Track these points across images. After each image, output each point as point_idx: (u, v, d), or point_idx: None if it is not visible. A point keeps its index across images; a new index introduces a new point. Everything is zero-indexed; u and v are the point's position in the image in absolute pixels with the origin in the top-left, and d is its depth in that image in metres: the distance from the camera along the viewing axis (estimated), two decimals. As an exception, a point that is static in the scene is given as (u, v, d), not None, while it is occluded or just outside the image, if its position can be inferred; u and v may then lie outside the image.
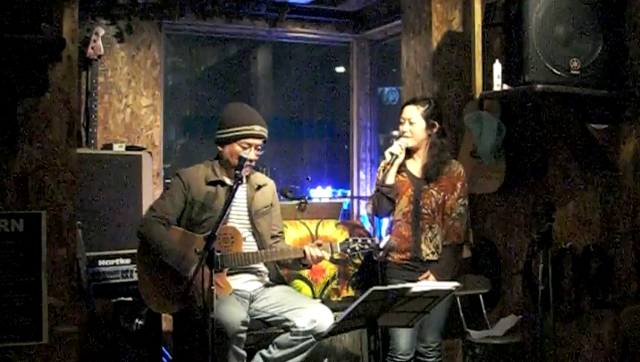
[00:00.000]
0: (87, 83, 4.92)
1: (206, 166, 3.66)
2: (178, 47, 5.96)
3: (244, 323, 3.30)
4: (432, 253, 3.66)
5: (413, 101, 3.79)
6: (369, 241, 3.54)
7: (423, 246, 3.66)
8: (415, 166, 3.77)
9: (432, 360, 3.72)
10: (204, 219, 3.51)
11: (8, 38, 2.58)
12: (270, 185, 3.81)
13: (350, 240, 3.57)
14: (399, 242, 3.69)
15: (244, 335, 3.31)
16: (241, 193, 3.65)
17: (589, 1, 3.48)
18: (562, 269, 3.86)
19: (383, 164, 3.76)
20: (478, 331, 4.15)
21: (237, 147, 3.55)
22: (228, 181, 3.59)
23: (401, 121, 3.77)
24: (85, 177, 4.32)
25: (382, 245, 3.56)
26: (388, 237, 3.59)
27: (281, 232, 3.86)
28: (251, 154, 3.56)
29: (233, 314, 3.28)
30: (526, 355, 4.13)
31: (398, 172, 3.73)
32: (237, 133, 3.55)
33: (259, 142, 3.59)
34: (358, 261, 4.85)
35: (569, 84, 3.43)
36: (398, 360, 3.65)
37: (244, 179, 3.64)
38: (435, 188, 3.69)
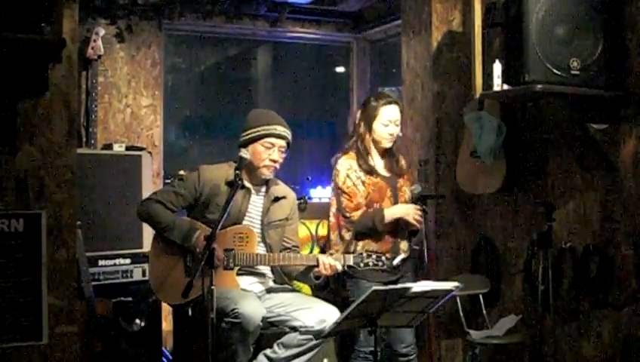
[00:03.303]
0: (87, 83, 4.92)
1: (229, 166, 3.61)
2: (178, 47, 5.96)
3: (263, 320, 3.31)
4: (405, 250, 3.71)
5: (395, 101, 3.75)
6: (383, 259, 3.48)
7: (402, 246, 3.70)
8: (379, 164, 3.76)
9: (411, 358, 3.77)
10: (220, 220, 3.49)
11: (8, 38, 2.58)
12: (290, 199, 3.76)
13: (364, 254, 3.48)
14: (380, 245, 3.66)
15: (258, 332, 3.32)
16: (258, 202, 3.64)
17: (589, 1, 3.48)
18: (562, 269, 3.86)
19: (345, 171, 3.67)
20: (478, 331, 4.15)
21: (259, 147, 3.54)
22: (247, 183, 3.58)
23: (386, 123, 3.69)
24: (85, 177, 4.32)
25: (395, 262, 3.54)
26: (402, 255, 3.59)
27: (296, 246, 3.79)
28: (274, 155, 3.55)
29: (255, 308, 3.28)
30: (526, 355, 4.13)
31: (370, 173, 3.70)
32: (259, 133, 3.55)
33: (282, 143, 3.57)
34: None
35: (569, 84, 3.43)
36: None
37: (264, 188, 3.65)
38: (406, 184, 3.78)
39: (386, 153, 3.79)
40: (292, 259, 3.55)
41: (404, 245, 3.73)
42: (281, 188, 3.74)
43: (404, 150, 4.56)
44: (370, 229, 3.63)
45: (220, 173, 3.59)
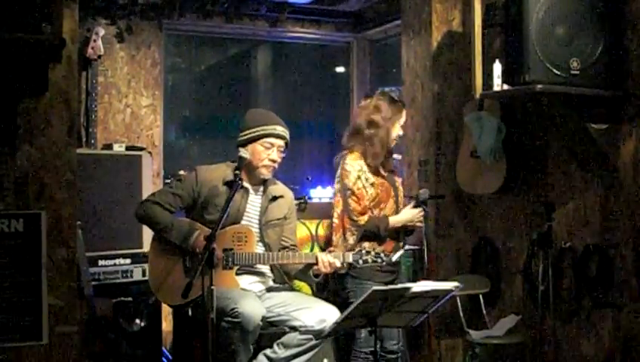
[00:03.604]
0: (87, 83, 4.92)
1: (227, 166, 3.62)
2: (178, 47, 5.96)
3: (262, 319, 3.30)
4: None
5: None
6: (382, 255, 3.47)
7: (401, 245, 3.75)
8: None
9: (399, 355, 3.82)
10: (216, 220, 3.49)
11: (8, 38, 2.58)
12: (287, 198, 3.76)
13: (363, 251, 3.46)
14: (383, 248, 3.67)
15: (258, 332, 3.32)
16: (256, 202, 3.64)
17: (589, 1, 3.48)
18: (562, 269, 3.86)
19: (356, 173, 3.69)
20: (478, 331, 4.15)
21: (258, 147, 3.54)
22: (245, 183, 3.58)
23: (403, 124, 3.82)
24: (85, 177, 4.32)
25: (394, 258, 3.54)
26: (401, 251, 3.59)
27: (295, 245, 3.79)
28: (274, 155, 3.55)
29: (255, 308, 3.28)
30: (526, 355, 4.13)
31: (376, 173, 3.75)
32: (259, 133, 3.55)
33: (281, 143, 3.58)
34: None
35: (569, 84, 3.43)
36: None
37: (262, 187, 3.66)
38: (400, 182, 3.84)
39: (388, 153, 3.82)
40: (291, 258, 3.55)
41: (402, 245, 3.78)
42: (278, 188, 3.74)
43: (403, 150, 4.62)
44: (373, 234, 3.66)
45: (218, 173, 3.60)
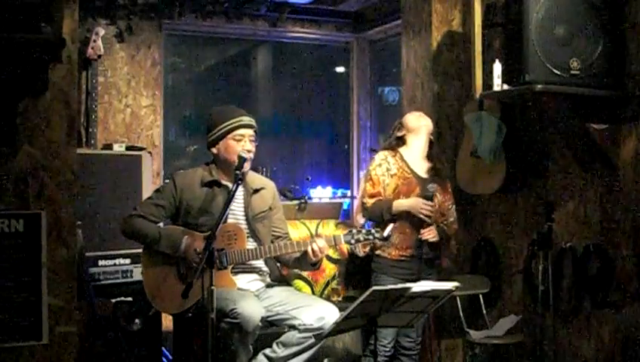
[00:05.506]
0: (87, 83, 4.92)
1: (203, 169, 3.63)
2: (178, 47, 5.96)
3: (262, 320, 3.30)
4: (427, 252, 3.82)
5: None
6: (373, 231, 3.47)
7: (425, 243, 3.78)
8: (419, 165, 3.90)
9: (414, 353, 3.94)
10: (202, 223, 3.49)
11: (8, 38, 2.58)
12: (269, 188, 3.75)
13: (354, 231, 3.49)
14: (402, 238, 3.74)
15: (258, 332, 3.31)
16: (238, 198, 3.60)
17: (589, 1, 3.48)
18: (562, 269, 3.86)
19: (378, 160, 3.87)
20: (478, 331, 4.15)
21: (230, 142, 3.53)
22: (224, 182, 3.58)
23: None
24: (85, 177, 4.32)
25: (386, 234, 3.52)
26: (391, 226, 3.58)
27: (286, 233, 3.78)
28: (247, 145, 3.54)
29: (254, 309, 3.27)
30: (526, 355, 4.13)
31: (406, 169, 3.86)
32: (227, 128, 3.55)
33: (250, 132, 3.57)
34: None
35: (569, 84, 3.44)
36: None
37: (241, 183, 3.63)
38: (439, 190, 3.86)
39: (427, 156, 3.97)
40: (283, 248, 3.52)
41: (427, 244, 3.82)
42: (258, 180, 3.74)
43: None
44: (380, 218, 3.76)
45: (195, 176, 3.59)
